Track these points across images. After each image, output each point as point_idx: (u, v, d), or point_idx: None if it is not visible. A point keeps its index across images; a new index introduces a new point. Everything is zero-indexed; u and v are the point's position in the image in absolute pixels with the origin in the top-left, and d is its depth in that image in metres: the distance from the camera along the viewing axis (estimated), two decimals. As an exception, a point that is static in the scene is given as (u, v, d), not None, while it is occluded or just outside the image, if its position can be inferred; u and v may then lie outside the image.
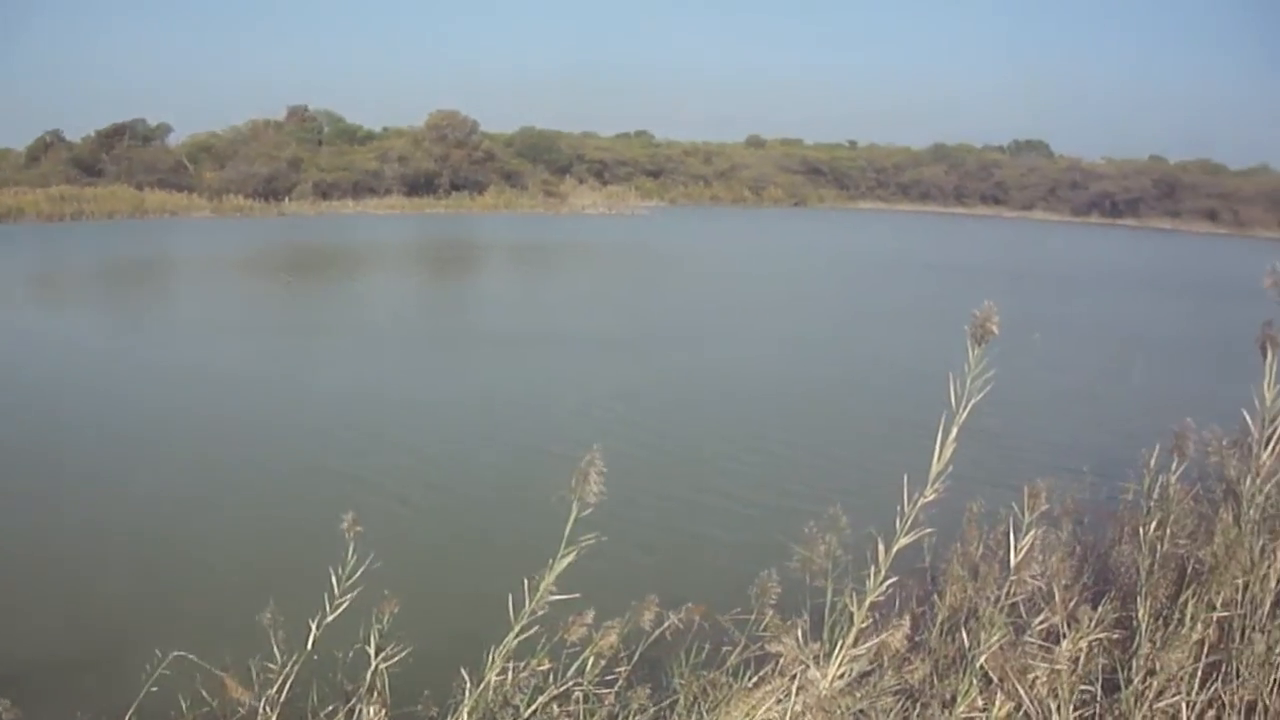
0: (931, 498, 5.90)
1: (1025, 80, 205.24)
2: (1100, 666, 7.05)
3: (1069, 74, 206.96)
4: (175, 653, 7.48)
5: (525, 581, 6.46)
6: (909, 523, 5.94)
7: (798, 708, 6.10)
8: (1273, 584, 7.57)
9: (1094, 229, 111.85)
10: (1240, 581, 7.45)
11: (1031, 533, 6.73)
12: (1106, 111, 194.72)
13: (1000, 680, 6.70)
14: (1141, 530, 7.65)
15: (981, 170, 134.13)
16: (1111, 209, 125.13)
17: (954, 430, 5.73)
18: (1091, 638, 6.96)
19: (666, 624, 7.15)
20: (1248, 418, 7.70)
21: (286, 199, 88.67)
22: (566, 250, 62.45)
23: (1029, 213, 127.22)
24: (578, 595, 6.53)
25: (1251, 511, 7.59)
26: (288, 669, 6.83)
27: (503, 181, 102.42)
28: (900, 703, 6.76)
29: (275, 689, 6.79)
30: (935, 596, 7.96)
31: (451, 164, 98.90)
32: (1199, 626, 7.32)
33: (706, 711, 6.59)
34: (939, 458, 5.80)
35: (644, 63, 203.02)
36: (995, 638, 6.62)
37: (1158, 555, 7.64)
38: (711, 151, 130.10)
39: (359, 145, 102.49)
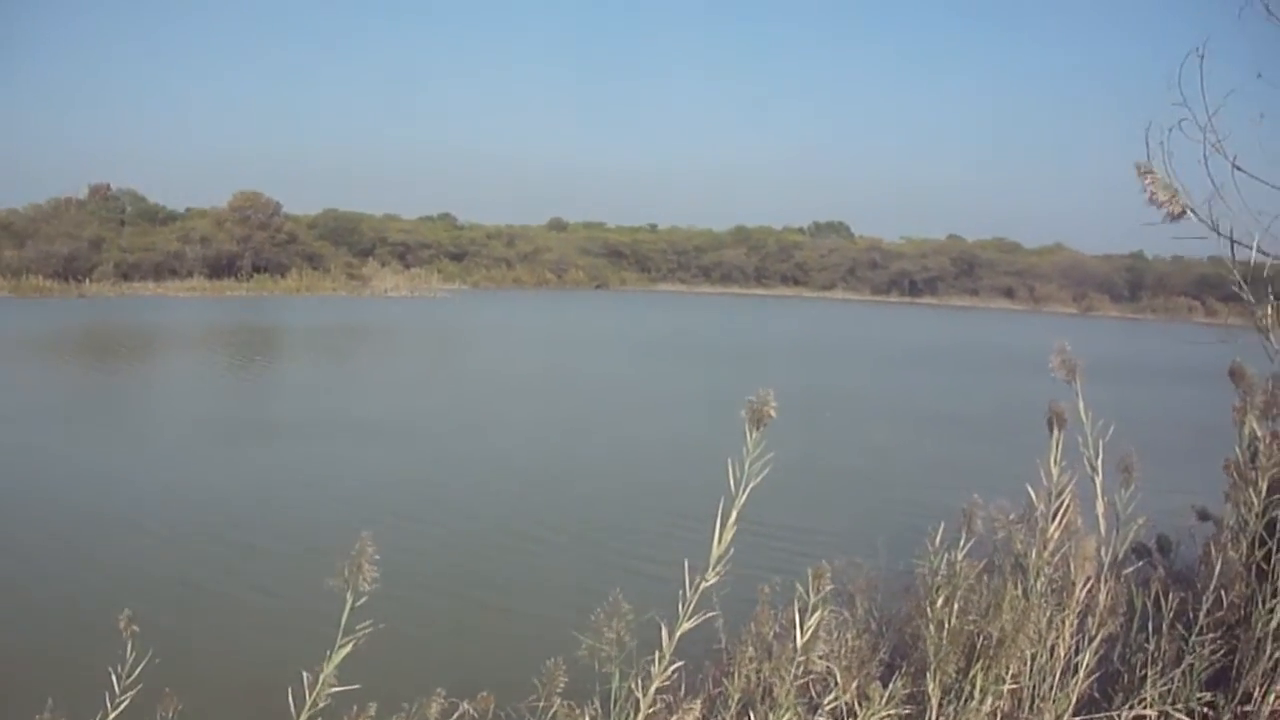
0: (713, 581, 5.74)
1: (824, 162, 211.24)
2: (893, 744, 6.94)
3: (868, 155, 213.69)
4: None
5: (304, 674, 6.04)
6: (690, 606, 5.76)
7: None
8: (1061, 654, 7.61)
9: (894, 307, 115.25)
10: (1029, 653, 7.45)
11: (819, 612, 6.61)
12: (905, 192, 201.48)
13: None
14: (928, 606, 7.59)
15: (782, 251, 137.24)
16: (911, 287, 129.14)
17: (733, 514, 5.59)
18: (883, 714, 6.85)
19: (456, 715, 6.80)
20: (1031, 492, 7.76)
21: (87, 280, 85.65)
22: (363, 334, 61.58)
23: (829, 292, 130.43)
24: (357, 686, 6.14)
25: (1038, 584, 7.62)
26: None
27: (305, 263, 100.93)
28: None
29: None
30: (727, 678, 7.77)
31: (254, 246, 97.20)
32: (989, 699, 7.29)
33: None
34: (719, 541, 5.66)
35: (447, 145, 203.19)
36: (786, 718, 6.47)
37: (946, 630, 7.57)
38: (514, 234, 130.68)
39: (161, 225, 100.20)
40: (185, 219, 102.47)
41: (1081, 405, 7.49)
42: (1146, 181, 6.47)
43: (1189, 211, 6.75)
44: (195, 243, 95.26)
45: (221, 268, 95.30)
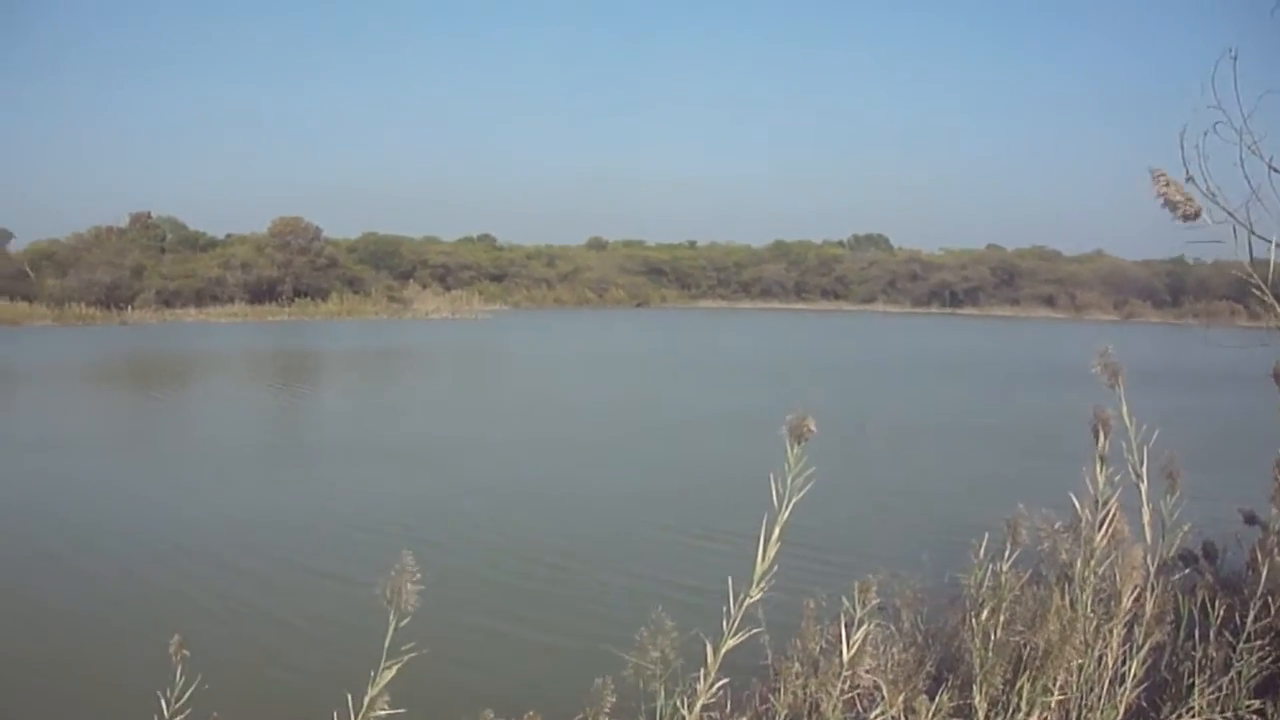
0: (758, 597, 5.72)
1: (863, 175, 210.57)
2: (941, 758, 6.90)
3: (906, 167, 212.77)
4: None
5: (349, 698, 6.06)
6: (735, 623, 5.75)
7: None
8: (1109, 664, 7.54)
9: (935, 319, 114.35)
10: (1076, 664, 7.39)
11: (864, 626, 6.58)
12: (944, 203, 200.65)
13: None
14: (973, 619, 7.54)
15: (822, 265, 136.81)
16: (951, 299, 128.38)
17: (776, 530, 5.57)
18: (930, 728, 6.81)
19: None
20: (1075, 501, 7.69)
21: (129, 307, 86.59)
22: (405, 357, 61.87)
23: (870, 305, 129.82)
24: (403, 711, 6.15)
25: (1085, 594, 7.55)
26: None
27: (346, 287, 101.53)
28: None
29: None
30: (774, 695, 7.76)
31: (294, 271, 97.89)
32: (1036, 711, 7.24)
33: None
34: (763, 557, 5.65)
35: (486, 167, 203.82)
36: (834, 733, 6.45)
37: (992, 642, 7.53)
38: (554, 254, 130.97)
39: (202, 252, 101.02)
40: (226, 245, 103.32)
41: (1125, 411, 7.43)
42: (1159, 185, 6.43)
43: (1222, 212, 6.70)
44: (236, 268, 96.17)
45: (262, 293, 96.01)
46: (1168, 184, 6.46)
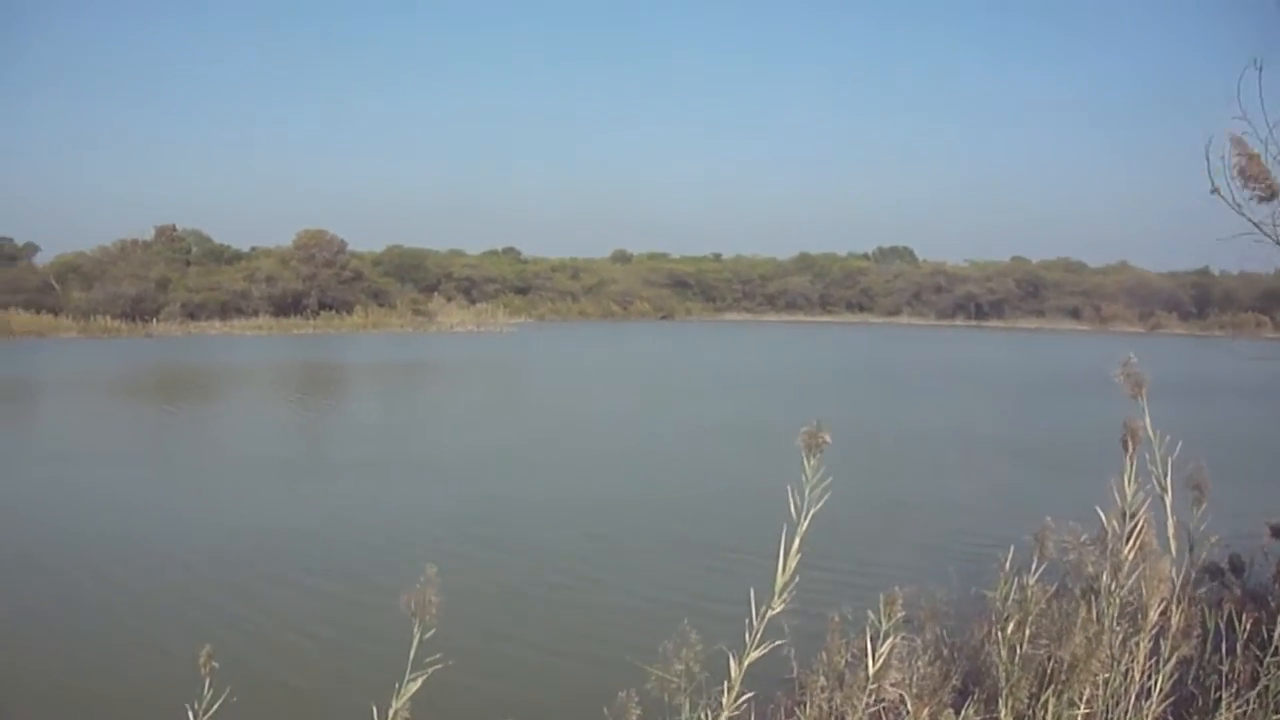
0: (779, 609, 5.73)
1: (888, 186, 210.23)
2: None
3: (930, 179, 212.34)
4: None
5: (374, 708, 6.09)
6: (758, 635, 5.76)
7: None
8: (1135, 678, 7.51)
9: (960, 331, 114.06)
10: (1102, 678, 7.37)
11: (890, 639, 6.58)
12: (969, 215, 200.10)
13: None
14: (999, 632, 7.53)
15: (846, 278, 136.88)
16: (977, 311, 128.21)
17: (796, 541, 5.58)
18: (954, 742, 6.81)
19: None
20: (1101, 514, 7.67)
21: (154, 320, 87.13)
22: (431, 371, 62.01)
23: (895, 318, 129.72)
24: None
25: (1111, 607, 7.53)
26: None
27: (370, 300, 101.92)
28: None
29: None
30: (799, 708, 7.75)
31: (319, 283, 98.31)
32: (1062, 724, 7.23)
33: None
34: (783, 568, 5.66)
35: (511, 180, 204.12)
36: (859, 747, 6.44)
37: (1018, 656, 7.51)
38: (579, 267, 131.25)
39: (227, 265, 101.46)
40: (250, 258, 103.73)
41: (1149, 423, 7.41)
42: (1237, 153, 6.35)
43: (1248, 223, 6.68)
44: (261, 281, 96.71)
45: (287, 306, 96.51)
46: (1245, 155, 6.38)
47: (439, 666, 5.70)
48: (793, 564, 5.65)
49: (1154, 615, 7.53)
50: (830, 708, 7.50)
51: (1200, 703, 7.77)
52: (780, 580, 5.70)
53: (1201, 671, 7.91)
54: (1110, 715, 7.41)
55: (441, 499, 24.00)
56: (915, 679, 7.37)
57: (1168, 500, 7.63)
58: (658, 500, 24.20)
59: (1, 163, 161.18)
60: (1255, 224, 6.69)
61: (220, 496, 24.35)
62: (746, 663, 5.87)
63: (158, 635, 14.62)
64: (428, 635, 5.48)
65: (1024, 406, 45.76)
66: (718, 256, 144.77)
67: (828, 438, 5.44)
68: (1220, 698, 7.61)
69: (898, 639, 6.74)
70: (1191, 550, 7.93)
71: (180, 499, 24.14)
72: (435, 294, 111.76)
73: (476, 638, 13.77)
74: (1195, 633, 7.74)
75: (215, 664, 5.98)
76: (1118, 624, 7.55)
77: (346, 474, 27.15)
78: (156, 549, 19.41)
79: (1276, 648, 7.57)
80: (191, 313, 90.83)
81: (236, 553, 19.13)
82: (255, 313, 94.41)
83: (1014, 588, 7.67)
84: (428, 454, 30.24)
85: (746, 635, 5.85)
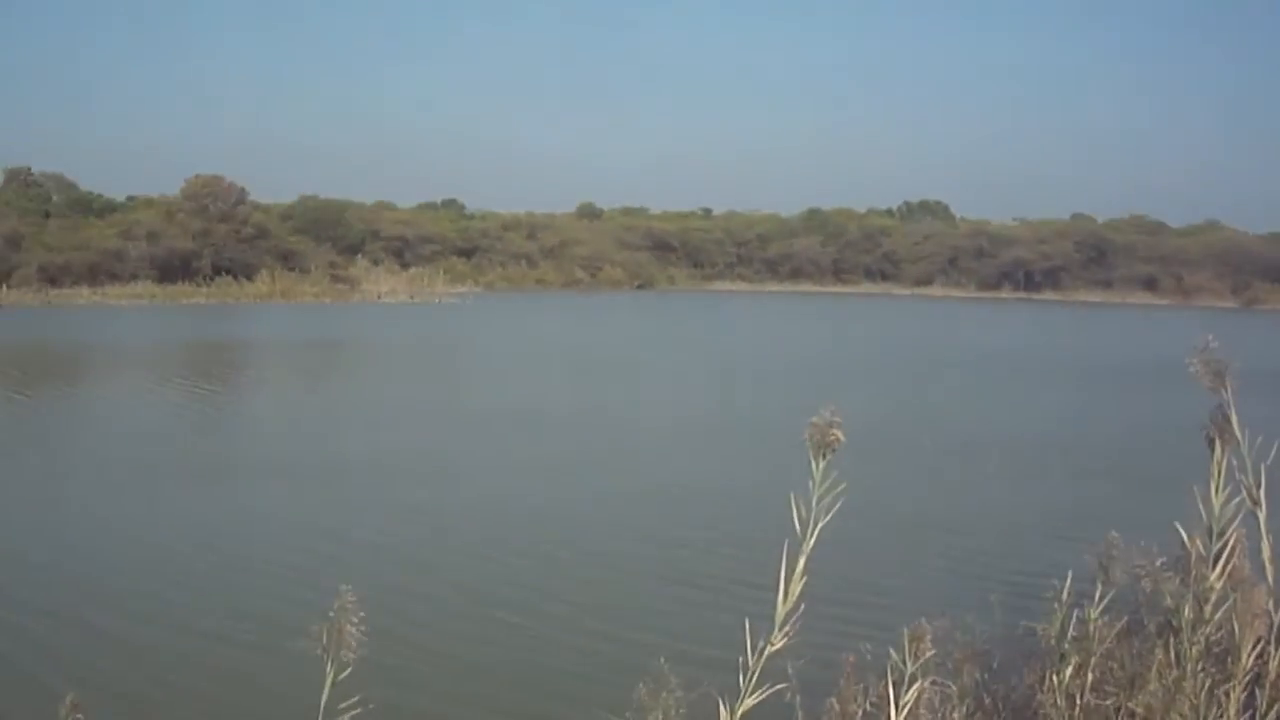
0: (780, 645, 5.69)
1: (918, 129, 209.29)
2: None
3: (969, 119, 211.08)
4: None
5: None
6: (754, 677, 5.72)
7: None
8: (1226, 735, 7.49)
9: (1006, 305, 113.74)
10: (1182, 735, 7.36)
11: (917, 684, 6.55)
12: (1017, 162, 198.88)
13: None
14: (1054, 677, 7.53)
15: (866, 239, 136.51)
16: (1027, 280, 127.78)
17: (800, 562, 5.52)
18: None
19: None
20: (1182, 531, 7.64)
21: (4, 286, 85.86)
22: (346, 350, 62.10)
23: (926, 289, 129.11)
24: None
25: (1194, 648, 7.51)
26: None
27: (279, 263, 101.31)
28: None
29: None
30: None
31: (214, 242, 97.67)
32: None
33: None
34: (785, 596, 5.59)
35: (450, 120, 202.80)
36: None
37: (1078, 707, 7.52)
38: (536, 225, 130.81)
39: (97, 218, 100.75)
40: (128, 210, 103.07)
41: (1235, 421, 7.37)
42: None
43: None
44: (140, 239, 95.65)
45: (174, 269, 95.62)
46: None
47: (357, 712, 5.68)
48: (796, 590, 5.59)
49: (1248, 659, 7.52)
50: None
51: (1303, 766, 7.76)
52: (781, 610, 5.65)
53: (1305, 727, 7.91)
54: (1195, 781, 7.38)
55: (342, 514, 23.83)
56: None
57: (1261, 516, 7.59)
58: (624, 512, 24.21)
59: None
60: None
61: (66, 506, 24.16)
62: (741, 711, 5.84)
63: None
64: (343, 676, 5.44)
65: (1086, 401, 45.79)
66: (707, 212, 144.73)
67: (840, 434, 5.39)
68: (1328, 759, 7.60)
69: (926, 684, 6.71)
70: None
71: (14, 508, 24.01)
72: (359, 257, 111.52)
73: (399, 687, 13.74)
74: (1297, 680, 7.74)
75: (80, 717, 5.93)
76: (1202, 669, 7.53)
77: (226, 480, 26.95)
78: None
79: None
80: (52, 277, 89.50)
81: (84, 577, 19.04)
82: (133, 277, 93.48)
83: (1072, 622, 7.67)
84: (333, 458, 30.12)
85: (740, 678, 5.80)
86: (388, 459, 29.83)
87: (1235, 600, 7.45)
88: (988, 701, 8.78)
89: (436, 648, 15.96)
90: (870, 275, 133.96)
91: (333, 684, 5.47)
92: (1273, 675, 7.52)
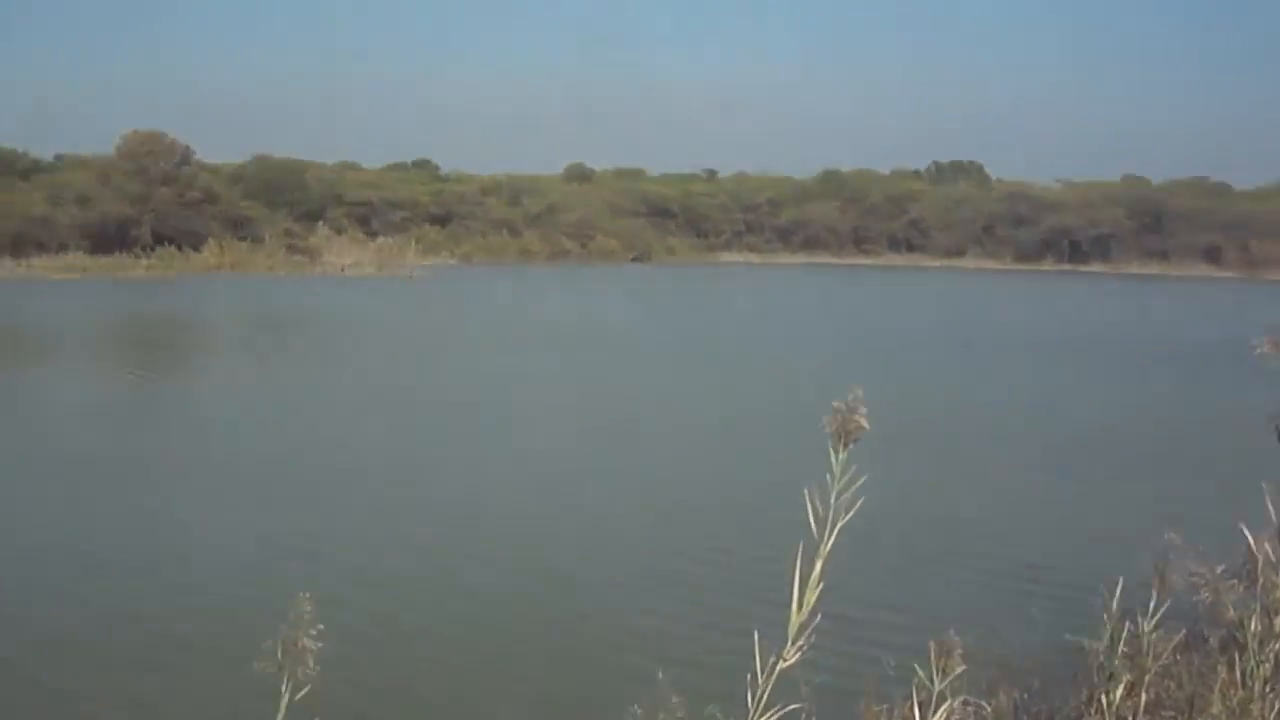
0: (794, 660, 5.67)
1: (948, 81, 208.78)
2: None
3: (1007, 70, 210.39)
4: None
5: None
6: (763, 696, 5.70)
7: None
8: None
9: (1049, 278, 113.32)
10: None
11: (947, 704, 6.54)
12: (1060, 119, 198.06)
13: None
14: (1103, 697, 7.54)
15: (890, 204, 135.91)
16: (1072, 251, 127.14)
17: (817, 567, 5.48)
18: None
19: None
20: (1248, 534, 7.64)
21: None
22: (299, 329, 61.91)
23: (958, 260, 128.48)
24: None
25: (1262, 666, 7.52)
26: None
27: (228, 232, 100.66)
28: None
29: None
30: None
31: (155, 207, 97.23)
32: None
33: None
34: (799, 605, 5.56)
35: (426, 66, 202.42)
36: None
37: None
38: (520, 188, 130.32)
39: (21, 180, 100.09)
40: (56, 171, 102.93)
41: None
42: None
43: None
44: (70, 204, 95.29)
45: (109, 239, 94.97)
46: None
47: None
48: (812, 598, 5.57)
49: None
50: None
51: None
52: (795, 621, 5.62)
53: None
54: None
55: (288, 523, 23.74)
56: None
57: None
58: (616, 516, 24.24)
59: None
60: None
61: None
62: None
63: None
64: (299, 696, 5.42)
65: (1140, 387, 45.80)
66: (711, 175, 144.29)
67: (864, 420, 5.34)
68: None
69: (957, 704, 6.69)
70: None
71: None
72: (320, 224, 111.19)
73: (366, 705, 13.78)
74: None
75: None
76: (1271, 689, 7.54)
77: (162, 479, 26.92)
78: None
79: None
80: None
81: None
82: (63, 247, 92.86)
83: (1123, 636, 7.67)
84: (283, 455, 30.08)
85: (749, 696, 5.80)
86: (351, 460, 29.71)
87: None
88: (1026, 727, 8.80)
89: (415, 665, 16.01)
90: (895, 245, 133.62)
91: (289, 704, 5.45)
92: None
